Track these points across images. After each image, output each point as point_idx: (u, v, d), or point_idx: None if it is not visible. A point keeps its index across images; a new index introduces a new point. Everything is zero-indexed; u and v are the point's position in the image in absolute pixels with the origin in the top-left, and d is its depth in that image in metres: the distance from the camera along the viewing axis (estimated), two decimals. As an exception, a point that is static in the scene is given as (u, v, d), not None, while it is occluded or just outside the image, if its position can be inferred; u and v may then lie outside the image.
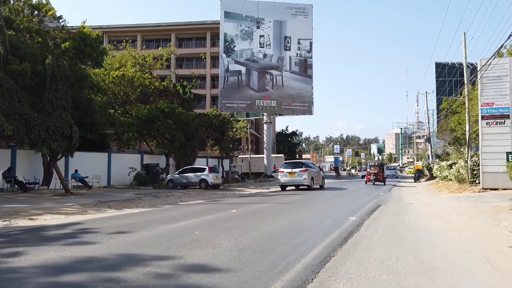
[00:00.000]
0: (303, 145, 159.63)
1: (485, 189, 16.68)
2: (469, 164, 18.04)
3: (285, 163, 24.00)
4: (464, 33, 18.18)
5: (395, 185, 28.96)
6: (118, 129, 27.86)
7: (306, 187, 21.21)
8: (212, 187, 25.05)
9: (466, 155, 18.61)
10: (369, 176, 27.40)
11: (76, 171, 21.95)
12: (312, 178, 21.30)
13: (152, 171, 26.95)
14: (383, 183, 27.08)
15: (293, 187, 22.37)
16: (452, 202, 13.52)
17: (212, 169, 24.63)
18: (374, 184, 26.91)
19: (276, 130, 73.06)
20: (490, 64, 16.08)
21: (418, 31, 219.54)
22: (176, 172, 25.80)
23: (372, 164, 29.19)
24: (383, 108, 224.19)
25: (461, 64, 67.47)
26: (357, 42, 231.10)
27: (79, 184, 21.83)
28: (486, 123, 16.67)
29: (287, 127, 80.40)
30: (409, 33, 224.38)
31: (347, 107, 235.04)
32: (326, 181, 38.83)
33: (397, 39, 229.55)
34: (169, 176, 25.46)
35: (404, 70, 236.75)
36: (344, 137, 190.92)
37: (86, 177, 22.00)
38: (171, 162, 33.86)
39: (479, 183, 17.54)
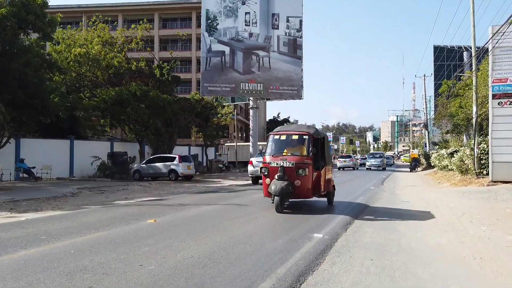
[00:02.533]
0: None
1: (495, 182, 13.99)
2: (475, 152, 15.28)
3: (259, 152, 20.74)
4: (473, -4, 15.28)
5: (389, 175, 26.37)
6: (78, 113, 24.91)
7: None
8: (184, 179, 22.30)
9: (473, 142, 15.84)
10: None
11: (22, 160, 19.05)
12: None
13: (119, 161, 24.10)
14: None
15: None
16: (459, 199, 10.80)
17: (183, 158, 21.79)
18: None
19: (271, 117, 70.28)
20: (504, 32, 13.26)
21: (417, 15, 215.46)
22: (143, 162, 22.96)
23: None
24: (380, 95, 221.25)
25: (460, 48, 64.28)
26: (352, 28, 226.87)
27: (25, 175, 18.95)
28: (498, 103, 13.89)
29: (278, 113, 77.51)
30: (407, 17, 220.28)
31: (343, 94, 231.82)
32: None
33: (395, 23, 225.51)
34: (135, 166, 22.62)
35: (401, 56, 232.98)
36: (341, 124, 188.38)
37: (33, 167, 19.10)
38: (146, 150, 31.01)
39: (487, 174, 14.85)
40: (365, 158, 48.88)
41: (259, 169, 15.08)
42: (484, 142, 15.22)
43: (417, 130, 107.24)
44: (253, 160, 19.13)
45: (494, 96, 14.04)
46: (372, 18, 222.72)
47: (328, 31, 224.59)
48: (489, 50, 13.96)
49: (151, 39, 55.96)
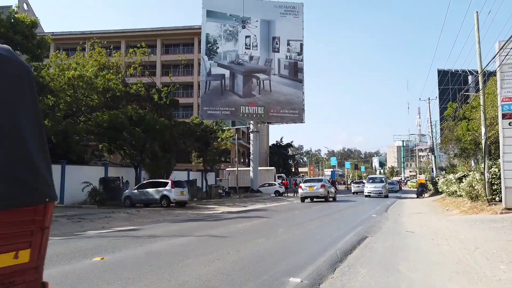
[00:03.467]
0: (304, 158, 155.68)
1: (509, 209, 12.73)
2: (486, 177, 14.10)
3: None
4: (477, 12, 14.52)
5: (394, 202, 25.04)
6: (73, 138, 24.17)
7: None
8: (178, 205, 21.19)
9: (483, 166, 14.68)
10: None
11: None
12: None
13: (111, 186, 23.10)
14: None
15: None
16: (470, 230, 9.60)
17: (176, 184, 20.74)
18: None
19: (273, 142, 69.32)
20: (512, 48, 12.36)
21: (420, 42, 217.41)
22: (135, 187, 21.94)
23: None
24: (385, 120, 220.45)
25: (464, 71, 63.87)
26: (355, 53, 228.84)
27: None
28: (510, 124, 12.82)
29: (281, 138, 76.51)
30: (411, 44, 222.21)
31: (348, 119, 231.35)
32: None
33: (398, 50, 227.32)
34: (126, 192, 21.58)
35: (405, 82, 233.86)
36: (346, 149, 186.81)
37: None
38: (143, 175, 30.09)
39: (500, 200, 13.61)
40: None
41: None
42: (495, 166, 14.06)
43: (424, 156, 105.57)
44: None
45: (504, 116, 12.99)
46: (375, 44, 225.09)
47: (331, 58, 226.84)
48: (496, 67, 13.04)
49: (153, 65, 56.20)
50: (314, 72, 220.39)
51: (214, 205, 22.68)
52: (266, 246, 6.97)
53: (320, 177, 36.16)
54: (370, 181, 32.96)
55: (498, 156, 17.74)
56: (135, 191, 21.20)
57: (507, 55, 12.64)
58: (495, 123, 18.16)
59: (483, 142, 14.61)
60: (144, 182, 22.16)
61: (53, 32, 60.96)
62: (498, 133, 18.33)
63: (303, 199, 25.18)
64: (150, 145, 27.08)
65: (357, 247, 7.03)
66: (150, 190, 20.69)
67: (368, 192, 30.52)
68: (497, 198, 13.97)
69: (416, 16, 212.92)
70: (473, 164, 31.63)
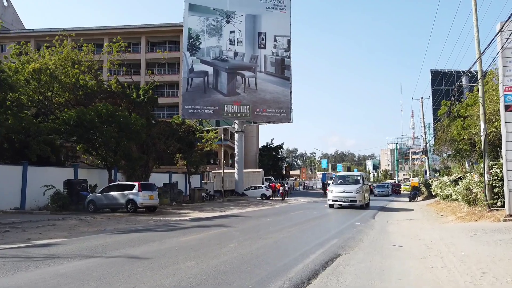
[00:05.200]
0: (299, 161, 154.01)
1: (513, 215, 10.96)
2: (486, 179, 12.29)
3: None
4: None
5: (385, 206, 23.24)
6: (31, 137, 22.12)
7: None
8: (147, 210, 19.20)
9: (482, 166, 12.88)
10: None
11: None
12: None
13: (76, 190, 21.00)
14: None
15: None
16: (471, 243, 7.75)
17: (144, 186, 18.70)
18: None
19: (264, 144, 67.42)
20: (515, 29, 10.61)
21: (414, 44, 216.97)
22: (99, 191, 19.88)
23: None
24: (378, 124, 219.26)
25: (458, 72, 62.68)
26: (346, 57, 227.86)
27: None
28: (513, 117, 11.06)
29: (272, 140, 74.54)
30: (404, 46, 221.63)
31: (340, 122, 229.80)
32: (304, 199, 32.91)
33: (391, 52, 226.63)
34: (90, 196, 19.48)
35: (399, 84, 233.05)
36: (339, 152, 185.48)
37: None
38: (118, 178, 28.05)
39: (502, 206, 11.83)
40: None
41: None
42: (496, 166, 12.25)
43: (417, 159, 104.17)
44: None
45: (507, 108, 11.20)
46: (366, 47, 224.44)
47: (323, 60, 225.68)
48: (498, 52, 11.27)
49: (137, 63, 54.15)
50: (306, 73, 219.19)
51: (188, 210, 20.70)
52: (183, 277, 4.97)
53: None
54: (340, 181, 21.48)
55: (495, 158, 16.02)
56: (99, 194, 19.14)
57: (510, 36, 10.87)
58: (494, 120, 16.44)
59: (482, 138, 12.81)
60: (109, 185, 20.09)
61: (33, 29, 58.92)
62: (497, 131, 16.60)
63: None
64: (125, 145, 25.08)
65: (321, 272, 5.13)
66: (115, 193, 18.64)
67: (333, 200, 20.11)
68: (498, 203, 12.17)
69: (410, 17, 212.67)
70: (467, 166, 29.99)
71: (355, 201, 19.45)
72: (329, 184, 24.67)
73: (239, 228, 10.28)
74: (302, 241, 8.51)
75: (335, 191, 19.98)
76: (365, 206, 20.43)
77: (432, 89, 59.31)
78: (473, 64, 12.77)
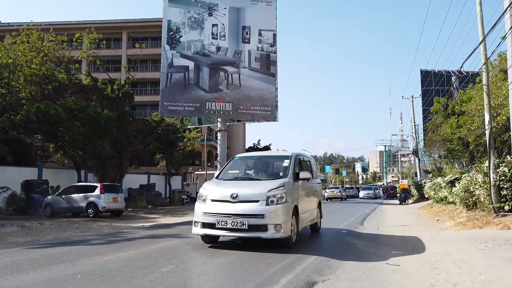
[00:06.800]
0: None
1: (524, 222, 9.34)
2: (491, 179, 10.67)
3: None
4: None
5: (375, 209, 21.64)
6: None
7: None
8: (113, 214, 17.24)
9: (486, 164, 11.25)
10: None
11: None
12: None
13: (35, 191, 18.92)
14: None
15: None
16: (485, 260, 6.04)
17: (107, 188, 16.71)
18: None
19: (251, 145, 65.46)
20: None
21: (403, 45, 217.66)
22: (57, 193, 17.81)
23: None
24: (367, 126, 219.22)
25: (448, 72, 61.60)
26: (337, 59, 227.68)
27: None
28: (525, 106, 9.46)
29: (259, 140, 72.58)
30: (393, 47, 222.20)
31: (330, 124, 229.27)
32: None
33: (380, 54, 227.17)
34: (47, 199, 17.41)
35: (388, 86, 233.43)
36: (328, 155, 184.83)
37: None
38: (90, 178, 26.06)
39: (510, 210, 10.24)
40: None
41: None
42: (504, 164, 10.62)
43: (406, 161, 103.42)
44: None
45: (517, 97, 9.62)
46: (356, 51, 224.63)
47: (312, 62, 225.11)
48: (506, 31, 9.66)
49: (118, 59, 51.93)
50: (295, 74, 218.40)
51: (159, 215, 18.74)
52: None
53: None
54: (234, 172, 8.77)
55: (497, 156, 14.47)
56: (57, 197, 17.09)
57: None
58: (495, 114, 14.90)
59: (487, 132, 11.17)
60: (70, 186, 18.06)
61: (8, 23, 56.27)
62: (498, 127, 15.07)
63: None
64: (95, 143, 23.14)
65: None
66: (74, 196, 16.62)
67: (202, 225, 7.51)
68: (506, 207, 10.53)
69: (401, 20, 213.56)
70: (457, 166, 28.66)
71: (262, 225, 6.88)
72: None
73: (195, 240, 8.26)
74: (267, 259, 6.49)
75: (212, 199, 7.66)
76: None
77: (422, 89, 58.29)
78: (474, 51, 11.13)
